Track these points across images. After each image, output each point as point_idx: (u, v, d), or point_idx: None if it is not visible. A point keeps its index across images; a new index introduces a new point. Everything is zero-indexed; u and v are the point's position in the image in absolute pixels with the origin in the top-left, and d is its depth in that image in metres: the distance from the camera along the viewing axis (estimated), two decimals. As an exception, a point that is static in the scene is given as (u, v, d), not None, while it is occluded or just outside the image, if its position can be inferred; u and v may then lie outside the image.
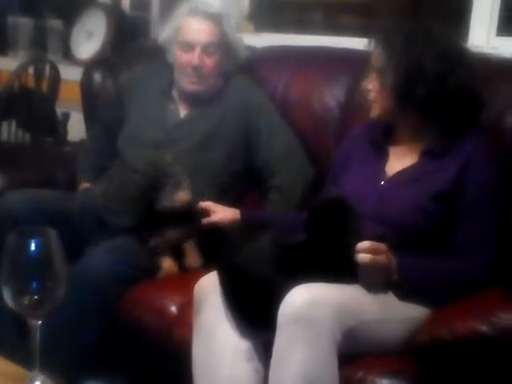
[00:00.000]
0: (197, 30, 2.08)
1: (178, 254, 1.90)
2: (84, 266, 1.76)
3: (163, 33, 2.19)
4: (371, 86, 1.74)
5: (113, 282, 1.75)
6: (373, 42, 1.74)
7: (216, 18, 2.09)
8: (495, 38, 2.21)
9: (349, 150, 1.87)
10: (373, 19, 2.88)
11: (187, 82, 2.10)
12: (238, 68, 2.19)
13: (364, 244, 1.46)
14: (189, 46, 2.07)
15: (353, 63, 2.12)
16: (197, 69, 2.06)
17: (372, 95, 1.74)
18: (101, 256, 1.79)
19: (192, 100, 2.14)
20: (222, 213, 1.93)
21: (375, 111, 1.75)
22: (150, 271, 1.87)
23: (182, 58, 2.08)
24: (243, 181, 2.12)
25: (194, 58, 2.06)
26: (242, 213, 1.94)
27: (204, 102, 2.12)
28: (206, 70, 2.08)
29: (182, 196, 1.83)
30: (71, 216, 1.96)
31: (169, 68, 2.19)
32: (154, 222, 1.86)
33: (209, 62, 2.08)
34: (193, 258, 1.90)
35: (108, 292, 1.76)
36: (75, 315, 1.72)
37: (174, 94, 2.18)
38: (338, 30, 2.78)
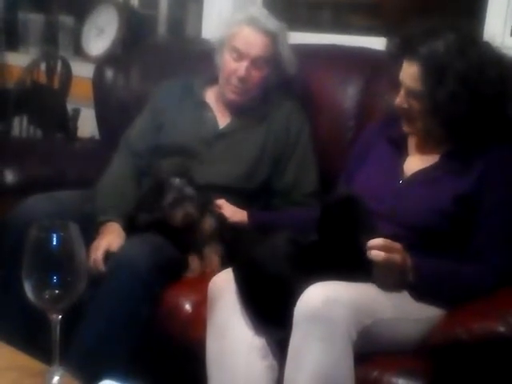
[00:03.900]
0: (251, 41, 2.04)
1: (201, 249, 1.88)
2: (122, 259, 1.76)
3: (217, 33, 2.15)
4: (407, 105, 1.66)
5: (154, 272, 1.74)
6: (400, 57, 1.65)
7: (273, 35, 2.05)
8: (510, 38, 2.20)
9: (365, 146, 1.86)
10: (381, 19, 2.87)
11: (229, 91, 2.07)
12: (288, 92, 2.16)
13: (376, 241, 1.45)
14: (239, 55, 2.04)
15: (367, 62, 2.13)
16: (242, 80, 2.04)
17: (410, 114, 1.67)
18: (137, 248, 1.78)
19: (231, 108, 2.12)
20: (230, 211, 1.94)
21: (410, 128, 1.70)
22: (183, 264, 1.86)
23: (229, 64, 2.05)
24: (251, 199, 2.08)
25: (241, 68, 2.03)
26: (249, 215, 1.94)
27: (244, 112, 2.11)
28: (251, 83, 2.05)
29: (178, 216, 1.83)
30: (92, 215, 1.95)
31: (195, 82, 2.18)
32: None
33: (256, 75, 2.05)
34: (214, 259, 1.88)
35: (150, 281, 1.75)
36: (122, 308, 1.72)
37: (209, 101, 2.16)
38: (346, 29, 2.77)
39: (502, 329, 1.35)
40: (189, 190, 1.86)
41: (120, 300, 1.72)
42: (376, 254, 1.44)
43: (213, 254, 1.86)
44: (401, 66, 1.66)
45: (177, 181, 1.86)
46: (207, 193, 1.91)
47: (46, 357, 1.17)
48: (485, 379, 1.40)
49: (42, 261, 1.06)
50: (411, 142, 1.77)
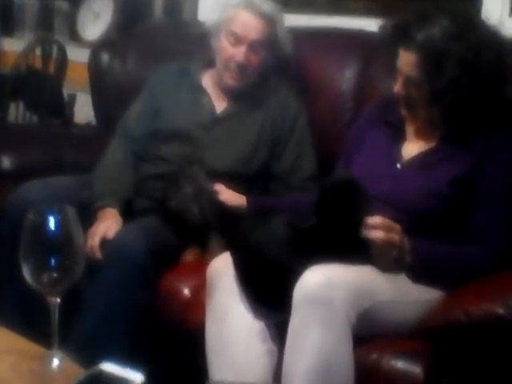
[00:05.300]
0: (248, 25, 2.02)
1: (202, 241, 1.88)
2: (118, 245, 1.76)
3: (213, 17, 2.13)
4: (406, 93, 1.65)
5: (150, 257, 1.74)
6: (396, 45, 1.64)
7: (269, 17, 2.04)
8: (508, 18, 2.19)
9: (363, 129, 1.85)
10: (377, 1, 2.85)
11: (228, 76, 2.06)
12: (284, 75, 2.16)
13: (375, 219, 1.45)
14: (236, 40, 2.02)
15: (364, 44, 2.12)
16: (241, 66, 2.02)
17: (410, 101, 1.66)
18: (133, 234, 1.78)
19: (228, 93, 2.11)
20: (229, 195, 1.93)
21: (410, 115, 1.70)
22: (180, 249, 1.87)
23: (227, 50, 2.04)
24: (249, 184, 2.07)
25: (239, 54, 2.01)
26: (248, 200, 1.94)
27: (240, 96, 2.09)
28: (249, 68, 2.04)
29: (197, 209, 1.82)
30: (89, 201, 1.94)
31: (192, 66, 2.17)
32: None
33: (254, 59, 2.03)
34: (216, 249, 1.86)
35: (147, 267, 1.75)
36: (119, 294, 1.72)
37: (206, 85, 2.14)
38: (342, 11, 2.75)
39: (500, 311, 1.36)
40: (207, 184, 1.85)
41: (117, 286, 1.72)
42: (375, 234, 1.44)
43: (217, 247, 1.85)
44: (397, 53, 1.65)
45: (195, 171, 1.85)
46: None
47: (45, 342, 1.17)
48: (483, 361, 1.41)
49: (40, 244, 1.06)
50: (409, 127, 1.76)
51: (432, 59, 1.58)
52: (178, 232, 1.87)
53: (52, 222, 1.05)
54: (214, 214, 1.86)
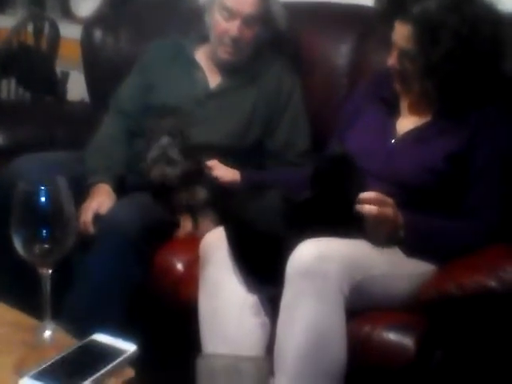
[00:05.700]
0: None
1: (194, 214, 1.89)
2: (111, 221, 1.77)
3: None
4: (401, 66, 1.65)
5: (143, 233, 1.75)
6: (392, 18, 1.63)
7: None
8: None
9: (358, 103, 1.84)
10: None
11: (222, 51, 2.05)
12: (279, 51, 2.15)
13: (368, 194, 1.45)
14: (230, 14, 2.01)
15: (359, 19, 2.10)
16: (235, 40, 2.02)
17: (404, 75, 1.66)
18: (126, 209, 1.79)
19: (222, 68, 2.10)
20: (222, 171, 1.92)
21: (404, 89, 1.69)
22: (174, 224, 1.87)
23: (221, 25, 2.03)
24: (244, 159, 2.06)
25: (233, 28, 2.00)
26: (242, 175, 1.94)
27: (235, 71, 2.09)
28: (243, 43, 2.03)
29: (157, 172, 1.84)
30: (82, 177, 1.93)
31: (185, 41, 2.16)
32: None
33: (248, 33, 2.03)
34: (207, 225, 1.86)
35: (140, 242, 1.75)
36: (112, 271, 1.73)
37: (200, 60, 2.14)
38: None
39: (492, 283, 1.37)
40: (173, 152, 1.85)
41: (111, 261, 1.72)
42: (368, 208, 1.44)
43: (207, 221, 1.86)
44: (393, 26, 1.64)
45: (164, 140, 1.85)
46: (199, 158, 1.90)
47: (39, 315, 1.17)
48: (475, 333, 1.42)
49: (31, 215, 1.06)
50: (403, 102, 1.75)
51: (427, 31, 1.57)
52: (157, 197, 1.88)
53: (43, 193, 1.05)
54: (208, 188, 1.88)
